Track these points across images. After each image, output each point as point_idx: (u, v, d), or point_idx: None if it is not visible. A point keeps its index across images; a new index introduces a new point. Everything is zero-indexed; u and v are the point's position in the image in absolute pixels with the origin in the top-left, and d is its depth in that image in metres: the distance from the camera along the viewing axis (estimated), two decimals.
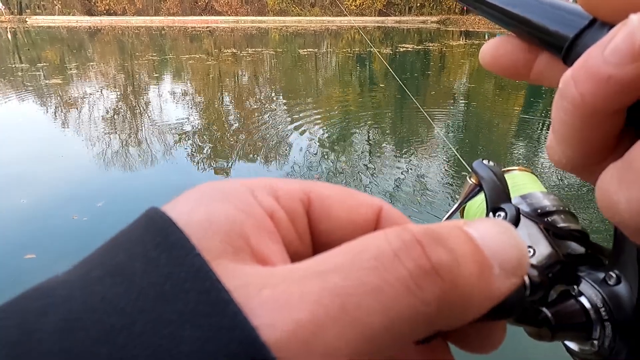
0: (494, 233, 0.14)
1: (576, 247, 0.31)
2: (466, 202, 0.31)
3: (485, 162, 0.29)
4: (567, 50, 0.16)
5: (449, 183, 3.75)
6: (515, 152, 4.80)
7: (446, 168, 4.10)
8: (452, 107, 6.81)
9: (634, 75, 0.13)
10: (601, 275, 0.25)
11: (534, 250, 0.30)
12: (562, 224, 0.32)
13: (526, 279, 0.16)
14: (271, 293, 0.12)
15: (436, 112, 6.15)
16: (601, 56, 0.13)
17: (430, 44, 15.83)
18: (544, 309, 0.26)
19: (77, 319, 0.12)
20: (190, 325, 0.11)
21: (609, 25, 0.15)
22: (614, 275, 0.25)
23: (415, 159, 4.39)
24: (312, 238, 0.17)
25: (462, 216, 0.40)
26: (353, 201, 0.17)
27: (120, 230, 0.15)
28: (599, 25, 0.15)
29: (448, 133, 5.49)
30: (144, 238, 0.14)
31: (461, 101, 7.17)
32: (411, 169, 4.06)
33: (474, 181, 0.29)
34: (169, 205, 0.15)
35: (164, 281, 0.12)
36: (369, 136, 5.21)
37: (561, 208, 0.34)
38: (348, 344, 0.12)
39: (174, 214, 0.14)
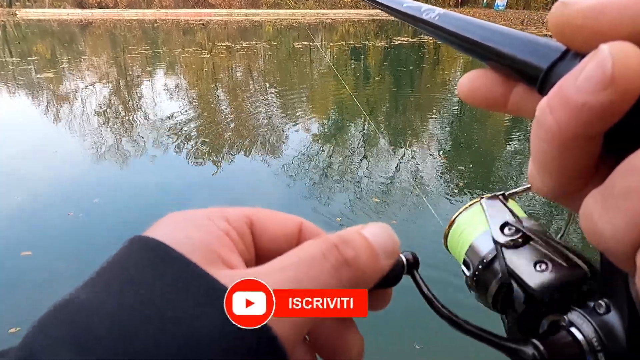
0: (379, 232, 0.22)
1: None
2: None
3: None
4: (542, 80, 0.16)
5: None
6: (510, 141, 4.81)
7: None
8: (449, 95, 6.82)
9: (606, 102, 0.13)
10: (590, 303, 0.25)
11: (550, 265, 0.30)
12: (543, 251, 0.31)
13: (404, 260, 0.24)
14: None
15: (433, 103, 6.13)
16: (575, 84, 0.14)
17: (425, 37, 15.75)
18: (535, 341, 0.25)
19: (119, 313, 0.16)
20: (205, 308, 0.17)
21: (581, 55, 0.15)
22: (603, 303, 0.24)
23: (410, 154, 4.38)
24: (255, 249, 0.23)
25: (449, 228, 0.37)
26: (282, 219, 0.24)
27: (113, 255, 0.19)
28: (571, 55, 0.15)
29: (443, 122, 5.49)
30: (145, 256, 0.18)
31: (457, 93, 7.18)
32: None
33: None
34: (149, 232, 0.20)
35: (176, 283, 0.17)
36: None
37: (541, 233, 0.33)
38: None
39: (160, 238, 0.19)
